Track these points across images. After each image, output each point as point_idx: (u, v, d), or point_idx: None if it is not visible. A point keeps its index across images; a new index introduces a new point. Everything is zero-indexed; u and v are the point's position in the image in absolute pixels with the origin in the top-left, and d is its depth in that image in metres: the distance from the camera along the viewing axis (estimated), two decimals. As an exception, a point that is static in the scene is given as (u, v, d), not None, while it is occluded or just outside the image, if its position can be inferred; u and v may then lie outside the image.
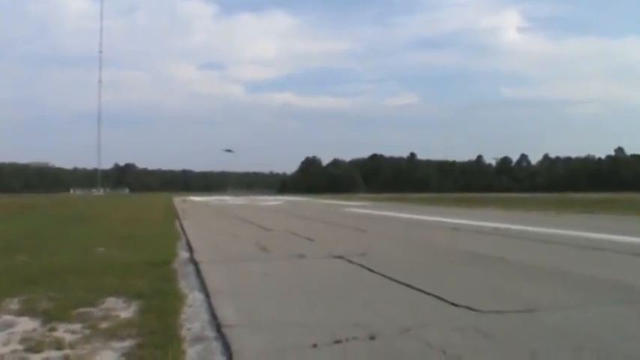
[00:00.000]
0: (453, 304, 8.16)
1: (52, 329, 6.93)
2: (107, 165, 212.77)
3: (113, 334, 6.70)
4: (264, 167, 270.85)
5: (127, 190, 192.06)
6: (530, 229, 22.50)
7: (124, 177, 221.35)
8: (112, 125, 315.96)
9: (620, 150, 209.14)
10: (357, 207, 50.94)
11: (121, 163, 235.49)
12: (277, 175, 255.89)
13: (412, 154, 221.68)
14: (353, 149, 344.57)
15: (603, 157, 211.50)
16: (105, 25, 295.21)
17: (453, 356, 5.72)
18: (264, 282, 10.54)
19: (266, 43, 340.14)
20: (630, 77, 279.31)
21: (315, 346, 6.10)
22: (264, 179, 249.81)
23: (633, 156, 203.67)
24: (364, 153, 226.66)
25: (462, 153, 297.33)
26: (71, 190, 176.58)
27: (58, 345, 6.28)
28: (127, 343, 6.33)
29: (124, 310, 8.03)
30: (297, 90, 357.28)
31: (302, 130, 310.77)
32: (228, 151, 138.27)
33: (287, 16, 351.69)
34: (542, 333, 6.64)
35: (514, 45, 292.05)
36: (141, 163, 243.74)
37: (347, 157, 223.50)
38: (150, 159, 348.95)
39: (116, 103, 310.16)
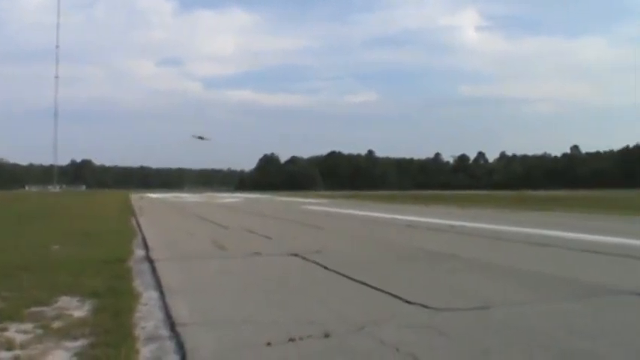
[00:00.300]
0: (407, 301, 8.21)
1: (3, 329, 6.82)
2: (63, 161, 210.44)
3: (66, 333, 6.63)
4: (222, 164, 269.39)
5: (83, 187, 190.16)
6: (486, 226, 22.74)
7: (81, 173, 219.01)
8: (68, 121, 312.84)
9: (575, 148, 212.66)
10: (314, 204, 51.00)
11: (78, 160, 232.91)
12: (235, 172, 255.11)
13: (370, 152, 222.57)
14: (311, 146, 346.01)
15: (559, 155, 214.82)
16: (62, 20, 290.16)
17: (406, 354, 5.76)
18: (220, 280, 10.51)
19: (225, 39, 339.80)
20: (585, 76, 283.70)
21: (269, 344, 6.11)
22: (223, 176, 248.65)
23: (588, 154, 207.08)
24: (322, 150, 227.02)
25: (420, 150, 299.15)
26: (26, 187, 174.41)
27: (9, 345, 6.20)
28: (80, 343, 6.28)
29: (77, 309, 7.95)
30: (256, 87, 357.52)
31: (260, 127, 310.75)
32: (200, 138, 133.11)
33: (246, 12, 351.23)
34: (495, 330, 6.72)
35: (472, 44, 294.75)
36: (98, 160, 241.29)
37: (305, 154, 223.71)
38: (107, 155, 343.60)
39: (73, 98, 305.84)
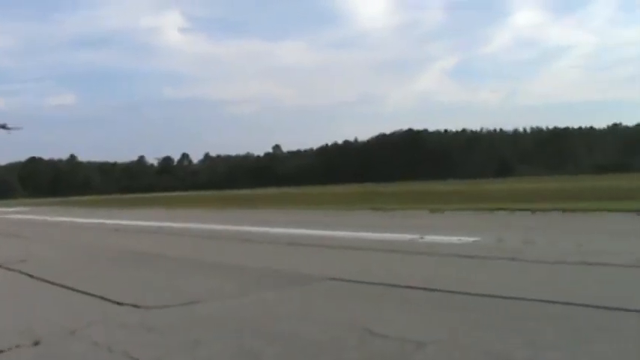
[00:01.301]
0: (117, 303, 8.25)
1: None
2: None
3: None
4: None
5: None
6: (194, 226, 23.12)
7: None
8: None
9: (277, 147, 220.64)
10: (15, 213, 48.83)
11: None
12: None
13: (72, 156, 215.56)
14: (9, 152, 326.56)
15: (262, 154, 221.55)
16: None
17: (119, 352, 5.83)
18: None
19: None
20: (287, 78, 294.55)
21: (-25, 358, 5.92)
22: None
23: (290, 152, 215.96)
24: (21, 156, 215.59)
25: (123, 153, 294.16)
26: None
27: None
28: None
29: None
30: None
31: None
32: (2, 127, 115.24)
33: None
34: (205, 323, 6.97)
35: (176, 45, 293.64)
36: None
37: (2, 160, 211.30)
38: None
39: None
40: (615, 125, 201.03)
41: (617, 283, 8.59)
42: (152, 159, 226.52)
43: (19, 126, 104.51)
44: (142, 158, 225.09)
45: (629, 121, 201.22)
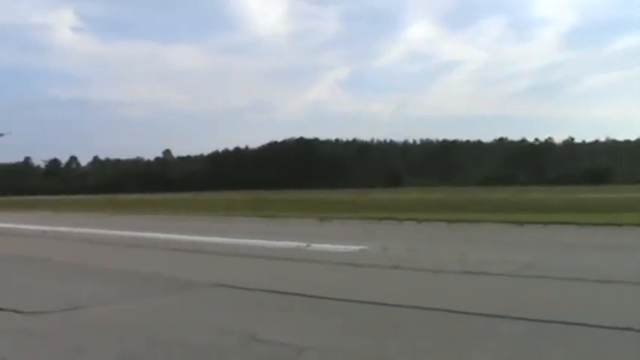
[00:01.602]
0: (-3, 307, 8.09)
1: None
2: None
3: None
4: None
5: None
6: (79, 230, 22.66)
7: None
8: None
9: (167, 152, 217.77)
10: None
11: None
12: None
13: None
14: None
15: (152, 159, 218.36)
16: None
17: (-3, 358, 5.76)
18: None
19: None
20: (179, 82, 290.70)
21: None
22: None
23: (180, 158, 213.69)
24: None
25: (8, 154, 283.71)
26: None
27: None
28: None
29: None
30: None
31: None
32: None
33: None
34: (88, 328, 6.90)
35: (68, 44, 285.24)
36: None
37: None
38: None
39: None
40: (501, 139, 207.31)
41: (496, 291, 8.96)
42: (39, 161, 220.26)
43: (8, 131, 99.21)
44: (28, 160, 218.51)
45: (514, 136, 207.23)
